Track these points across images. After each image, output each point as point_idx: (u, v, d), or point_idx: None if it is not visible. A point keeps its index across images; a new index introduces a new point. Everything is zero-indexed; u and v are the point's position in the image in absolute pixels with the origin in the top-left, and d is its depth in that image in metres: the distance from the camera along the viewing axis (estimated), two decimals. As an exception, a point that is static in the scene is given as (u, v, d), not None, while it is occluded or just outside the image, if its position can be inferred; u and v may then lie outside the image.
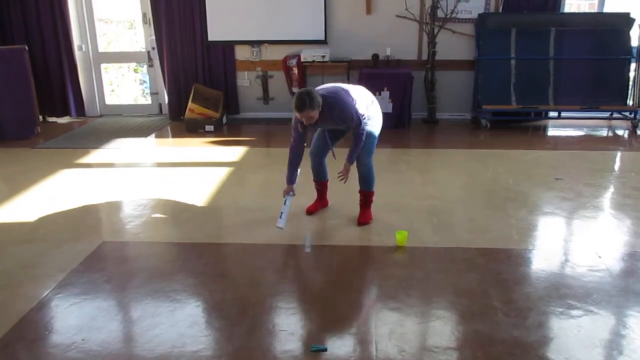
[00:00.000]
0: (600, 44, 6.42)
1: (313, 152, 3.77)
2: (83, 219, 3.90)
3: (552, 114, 6.72)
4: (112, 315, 2.68)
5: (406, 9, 6.52)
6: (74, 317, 2.66)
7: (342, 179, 3.56)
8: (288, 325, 2.60)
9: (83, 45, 7.16)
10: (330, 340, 2.46)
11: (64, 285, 2.96)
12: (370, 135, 3.57)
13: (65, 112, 7.12)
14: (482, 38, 6.49)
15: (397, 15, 6.60)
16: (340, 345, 2.43)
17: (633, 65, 6.57)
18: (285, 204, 3.53)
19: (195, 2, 6.64)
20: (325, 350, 2.38)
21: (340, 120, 3.39)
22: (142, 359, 2.35)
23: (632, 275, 3.02)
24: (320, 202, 3.95)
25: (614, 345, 2.41)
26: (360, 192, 3.76)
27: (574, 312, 2.64)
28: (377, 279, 3.01)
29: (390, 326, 2.55)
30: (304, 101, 3.19)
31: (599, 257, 3.23)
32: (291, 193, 3.57)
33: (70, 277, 3.05)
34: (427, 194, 4.32)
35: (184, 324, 2.60)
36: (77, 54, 7.05)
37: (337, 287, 2.97)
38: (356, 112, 3.37)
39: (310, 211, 3.88)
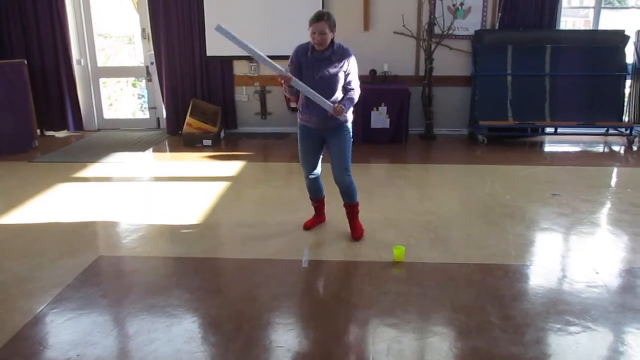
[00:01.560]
0: (595, 60, 6.48)
1: (307, 170, 3.68)
2: (79, 234, 3.89)
3: (549, 129, 6.75)
4: (107, 331, 2.66)
5: (403, 26, 6.58)
6: (69, 333, 2.64)
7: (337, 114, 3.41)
8: (285, 342, 2.58)
9: (82, 60, 7.19)
10: (327, 356, 2.45)
11: (60, 300, 2.95)
12: (349, 140, 3.55)
13: (63, 126, 7.12)
14: (478, 54, 6.55)
15: (394, 32, 6.67)
16: (338, 362, 2.42)
17: (628, 82, 6.63)
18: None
19: (194, 17, 6.70)
20: (322, 366, 2.36)
21: (347, 65, 3.38)
22: (137, 375, 2.33)
23: (629, 292, 3.01)
24: (318, 218, 3.95)
25: (612, 362, 2.40)
26: (345, 206, 3.74)
27: (572, 329, 2.63)
28: (374, 295, 3.00)
29: (388, 342, 2.53)
30: (322, 13, 3.27)
31: (597, 273, 3.22)
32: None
33: (65, 292, 3.03)
34: (425, 209, 4.32)
35: (181, 339, 2.58)
36: (76, 68, 7.07)
37: (334, 302, 2.96)
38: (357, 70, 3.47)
39: (308, 226, 3.87)
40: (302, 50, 3.40)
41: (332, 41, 3.35)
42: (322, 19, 3.23)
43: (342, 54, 3.38)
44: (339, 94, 3.46)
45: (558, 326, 2.66)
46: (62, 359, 2.43)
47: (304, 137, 3.61)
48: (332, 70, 3.39)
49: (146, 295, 3.01)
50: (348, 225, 3.79)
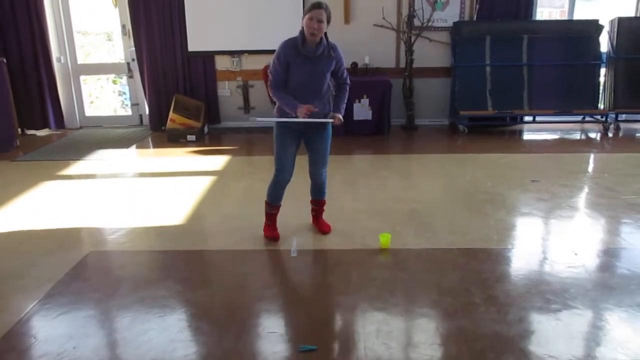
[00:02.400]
0: (571, 50, 6.64)
1: (288, 173, 3.50)
2: (67, 230, 3.90)
3: (527, 118, 6.92)
4: (101, 323, 2.70)
5: (384, 18, 6.66)
6: (63, 326, 2.67)
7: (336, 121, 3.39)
8: (277, 327, 2.65)
9: (62, 57, 7.14)
10: (320, 340, 2.52)
11: (52, 295, 2.97)
12: (331, 136, 3.56)
13: (44, 125, 7.08)
14: (457, 45, 6.66)
15: (374, 25, 6.74)
16: (330, 345, 2.49)
17: (603, 70, 6.80)
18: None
19: (174, 13, 6.69)
20: (315, 349, 2.44)
21: (337, 61, 3.34)
22: (133, 364, 2.38)
23: (606, 271, 3.14)
24: (276, 229, 3.70)
25: (590, 337, 2.51)
26: (316, 202, 3.74)
27: (553, 307, 2.75)
28: (362, 281, 3.07)
29: (377, 325, 2.62)
30: (322, 2, 3.21)
31: (575, 254, 3.35)
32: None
33: (57, 287, 3.06)
34: (408, 197, 4.41)
35: (174, 329, 2.64)
36: (56, 66, 7.03)
37: (323, 289, 3.04)
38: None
39: (272, 235, 3.64)
40: (291, 47, 3.23)
41: (323, 35, 3.28)
42: (322, 7, 3.17)
43: (333, 49, 3.32)
44: (326, 89, 3.43)
45: (539, 305, 2.77)
46: (58, 352, 2.46)
47: (287, 138, 3.43)
48: (326, 67, 3.32)
49: (137, 288, 3.05)
50: (333, 216, 3.83)
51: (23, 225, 3.99)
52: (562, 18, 7.49)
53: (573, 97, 6.64)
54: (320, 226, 3.76)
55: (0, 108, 6.02)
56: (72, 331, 2.63)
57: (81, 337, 2.58)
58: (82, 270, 3.30)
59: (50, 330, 2.65)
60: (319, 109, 3.34)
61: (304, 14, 3.22)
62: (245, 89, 7.07)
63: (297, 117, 3.25)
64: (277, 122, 3.46)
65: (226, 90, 7.09)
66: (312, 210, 3.80)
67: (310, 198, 3.77)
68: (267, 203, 3.63)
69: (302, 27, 3.21)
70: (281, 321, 2.72)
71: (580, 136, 6.62)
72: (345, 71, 3.47)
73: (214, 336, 2.58)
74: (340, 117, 3.38)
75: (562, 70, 6.66)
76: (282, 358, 2.41)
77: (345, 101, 3.49)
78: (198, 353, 2.45)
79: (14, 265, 3.36)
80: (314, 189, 3.70)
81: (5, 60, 6.14)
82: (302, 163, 3.61)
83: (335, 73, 3.42)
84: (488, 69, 6.65)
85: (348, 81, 3.50)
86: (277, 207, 3.64)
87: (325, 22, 3.21)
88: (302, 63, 3.25)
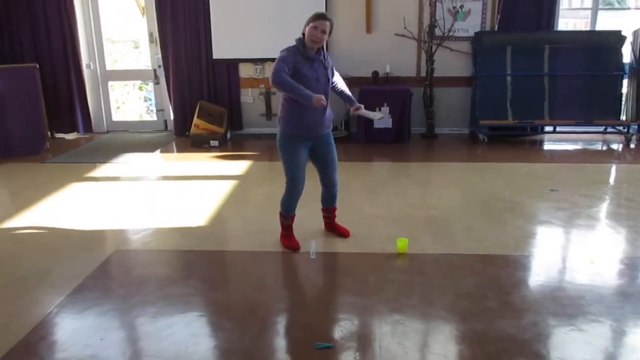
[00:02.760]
0: (593, 60, 6.64)
1: (303, 180, 3.54)
2: (94, 230, 4.05)
3: (548, 128, 6.91)
4: (127, 317, 2.81)
5: (405, 28, 6.74)
6: (91, 319, 2.79)
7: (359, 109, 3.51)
8: (295, 325, 2.73)
9: (91, 64, 7.37)
10: (336, 338, 2.59)
11: (80, 290, 3.10)
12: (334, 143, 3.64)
13: (72, 129, 7.31)
14: (478, 55, 6.70)
15: (396, 34, 6.83)
16: (346, 343, 2.56)
17: (625, 81, 6.77)
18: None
19: (200, 21, 6.87)
20: (331, 347, 2.51)
21: (332, 66, 3.51)
22: (158, 356, 2.47)
23: (622, 279, 3.15)
24: (294, 237, 3.75)
25: (605, 343, 2.53)
26: (329, 209, 3.79)
27: (567, 311, 2.78)
28: (379, 283, 3.14)
29: (393, 325, 2.68)
30: (326, 14, 3.33)
31: (592, 262, 3.36)
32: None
33: (85, 283, 3.19)
34: (427, 204, 4.46)
35: (196, 324, 2.73)
36: (86, 72, 7.26)
37: (340, 290, 3.11)
38: None
39: (294, 246, 3.66)
40: (293, 53, 3.29)
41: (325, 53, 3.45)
42: (327, 18, 3.30)
43: (327, 56, 3.48)
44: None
45: (554, 310, 2.80)
46: (86, 342, 2.58)
47: (296, 149, 3.45)
48: (327, 72, 3.43)
49: (161, 285, 3.16)
50: (351, 221, 3.90)
51: (52, 224, 4.15)
52: (585, 29, 7.49)
53: (594, 108, 6.62)
54: (340, 230, 3.83)
55: (32, 112, 6.25)
56: (99, 324, 2.74)
57: (108, 330, 2.69)
58: (109, 268, 3.42)
59: (79, 322, 2.77)
60: (327, 114, 3.47)
61: (308, 22, 3.29)
62: (267, 96, 7.20)
63: (312, 105, 3.24)
64: (286, 135, 3.47)
65: (249, 97, 7.24)
66: (325, 217, 3.85)
67: (320, 207, 3.81)
68: (281, 215, 3.66)
69: (303, 35, 3.32)
70: (300, 319, 2.80)
71: (602, 147, 6.59)
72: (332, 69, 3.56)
73: (235, 332, 2.67)
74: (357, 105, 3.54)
75: (584, 80, 6.66)
76: (299, 354, 2.49)
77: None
78: (219, 348, 2.55)
79: (44, 261, 3.50)
80: (327, 196, 3.72)
81: (37, 66, 6.36)
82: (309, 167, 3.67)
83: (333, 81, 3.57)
84: (509, 78, 6.68)
85: (342, 80, 3.65)
86: (292, 217, 3.68)
87: (328, 32, 3.33)
88: (308, 67, 3.32)
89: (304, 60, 3.31)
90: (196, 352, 2.50)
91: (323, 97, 3.25)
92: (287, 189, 3.54)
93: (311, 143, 3.51)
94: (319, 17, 3.28)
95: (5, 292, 3.08)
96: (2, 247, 3.72)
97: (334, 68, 3.55)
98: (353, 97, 3.60)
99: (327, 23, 3.29)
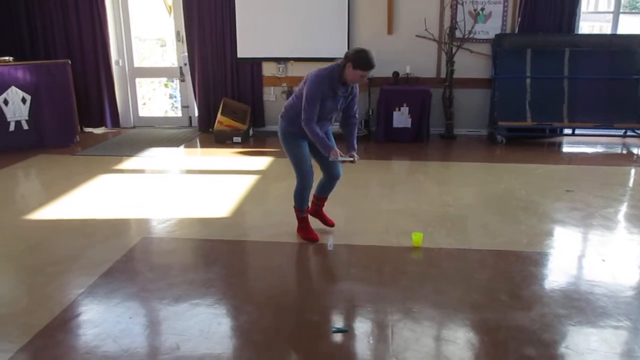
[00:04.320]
0: (614, 64, 6.65)
1: (312, 177, 3.67)
2: (122, 218, 4.24)
3: (567, 131, 6.95)
4: (154, 298, 2.99)
5: (426, 30, 6.84)
6: (120, 299, 2.97)
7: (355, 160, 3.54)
8: (312, 310, 2.87)
9: (120, 61, 7.62)
10: (351, 323, 2.73)
11: (110, 273, 3.28)
12: None
13: (101, 123, 7.55)
14: (498, 57, 6.77)
15: (417, 35, 6.93)
16: (360, 327, 2.70)
17: (647, 85, 6.77)
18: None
19: (225, 21, 7.06)
20: (346, 331, 2.65)
21: (354, 96, 3.53)
22: (183, 334, 2.64)
23: (633, 276, 3.23)
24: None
25: (610, 334, 2.63)
26: (323, 199, 3.88)
27: (576, 304, 2.87)
28: (393, 274, 3.27)
29: (405, 313, 2.81)
30: (374, 62, 3.25)
31: (603, 260, 3.44)
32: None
33: (115, 267, 3.37)
34: (443, 201, 4.57)
35: (218, 307, 2.89)
36: (114, 69, 7.50)
37: (356, 279, 3.24)
38: None
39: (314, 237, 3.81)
40: (327, 83, 3.32)
41: None
42: (373, 66, 3.28)
43: (355, 87, 3.51)
44: None
45: (563, 302, 2.90)
46: (116, 320, 2.76)
47: (301, 145, 3.58)
48: (344, 103, 3.51)
49: (186, 271, 3.33)
50: (366, 216, 4.02)
51: (83, 213, 4.36)
52: (606, 32, 7.49)
53: (615, 111, 6.64)
54: (327, 219, 3.91)
55: (64, 106, 6.50)
56: (128, 304, 2.92)
57: (136, 309, 2.87)
58: (136, 254, 3.61)
59: (109, 302, 2.95)
60: (325, 129, 3.56)
61: (356, 65, 3.23)
62: (289, 95, 7.36)
63: (327, 156, 3.43)
64: (287, 133, 3.60)
65: (271, 96, 7.41)
66: (314, 204, 3.88)
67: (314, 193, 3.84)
68: (296, 209, 3.77)
69: (344, 69, 3.29)
70: (316, 305, 2.94)
71: (621, 150, 6.60)
72: (356, 105, 3.61)
73: (254, 315, 2.82)
74: (356, 154, 3.55)
75: (604, 84, 6.68)
76: (316, 337, 2.63)
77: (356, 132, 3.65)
78: (240, 328, 2.70)
79: (75, 247, 3.69)
80: (327, 187, 3.77)
81: (70, 62, 6.61)
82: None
83: (348, 107, 3.55)
84: (528, 81, 6.73)
85: (357, 115, 3.64)
86: (307, 210, 3.82)
87: None
88: (331, 99, 3.39)
89: (331, 93, 3.36)
90: (219, 331, 2.65)
91: (339, 153, 3.38)
92: (299, 183, 3.66)
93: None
94: (368, 66, 3.25)
95: (41, 274, 3.28)
96: (38, 233, 3.93)
97: (355, 100, 3.56)
98: (355, 143, 3.60)
99: (371, 70, 3.30)
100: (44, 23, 7.23)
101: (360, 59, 3.23)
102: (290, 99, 3.60)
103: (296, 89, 3.59)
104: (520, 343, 2.55)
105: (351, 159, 3.49)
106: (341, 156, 3.43)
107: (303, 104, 3.35)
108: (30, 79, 6.26)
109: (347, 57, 3.29)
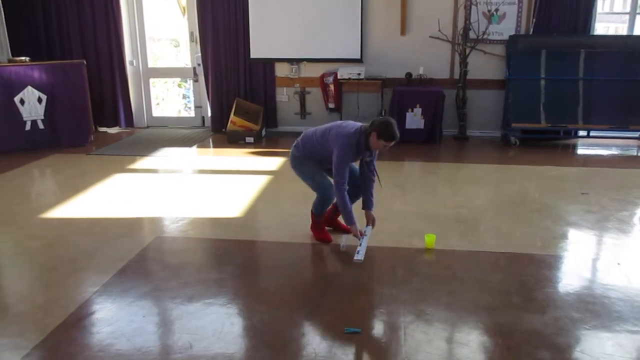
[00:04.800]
0: (630, 65, 6.57)
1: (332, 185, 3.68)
2: (136, 217, 4.27)
3: (582, 132, 6.88)
4: (167, 297, 3.00)
5: (439, 30, 6.82)
6: (134, 297, 2.99)
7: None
8: (325, 311, 2.87)
9: (134, 61, 7.68)
10: (364, 324, 2.73)
11: (124, 272, 3.31)
12: None
13: (115, 123, 7.62)
14: (512, 59, 6.72)
15: (430, 36, 6.91)
16: (373, 329, 2.70)
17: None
18: (363, 237, 3.51)
19: (239, 22, 7.09)
20: (359, 332, 2.64)
21: (373, 156, 3.63)
22: (197, 332, 2.65)
23: (649, 280, 3.20)
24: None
25: (625, 339, 2.60)
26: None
27: (591, 308, 2.85)
28: (406, 275, 3.26)
29: (417, 314, 2.80)
30: (397, 133, 3.34)
31: (618, 264, 3.41)
32: (369, 227, 3.65)
33: (129, 265, 3.40)
34: (456, 203, 4.55)
35: (232, 306, 2.91)
36: (129, 69, 7.56)
37: (369, 280, 3.24)
38: None
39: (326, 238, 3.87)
40: (354, 150, 3.43)
41: None
42: (397, 137, 3.35)
43: (374, 154, 3.61)
44: None
45: (577, 306, 2.87)
46: (130, 318, 2.78)
47: (320, 168, 3.69)
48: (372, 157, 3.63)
49: (199, 270, 3.35)
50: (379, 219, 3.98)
51: (97, 211, 4.40)
52: (622, 33, 7.42)
53: (630, 113, 6.56)
54: (342, 226, 3.89)
55: (79, 106, 6.56)
56: (142, 302, 2.94)
57: (150, 308, 2.89)
58: (150, 253, 3.63)
59: (123, 300, 2.98)
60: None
61: (379, 134, 3.31)
62: (302, 95, 7.37)
63: (349, 223, 3.53)
64: (300, 158, 3.71)
65: (284, 96, 7.42)
66: (333, 214, 3.88)
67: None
68: (314, 214, 3.81)
69: (368, 136, 3.36)
70: (330, 305, 2.94)
71: (637, 152, 6.53)
72: (374, 162, 3.66)
73: (267, 315, 2.83)
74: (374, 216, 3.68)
75: (620, 85, 6.60)
76: (329, 338, 2.63)
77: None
78: (253, 328, 2.71)
79: (90, 245, 3.73)
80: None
81: (85, 62, 6.68)
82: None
83: (367, 164, 3.59)
84: (542, 82, 6.67)
85: (374, 171, 3.66)
86: (324, 214, 3.87)
87: None
88: (356, 163, 3.60)
89: (357, 158, 3.53)
90: (232, 331, 2.67)
91: (360, 232, 3.50)
92: (321, 196, 3.70)
93: None
94: (393, 137, 3.32)
95: (56, 272, 3.32)
96: (53, 231, 3.98)
97: (374, 158, 3.63)
98: (373, 203, 3.68)
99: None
100: (60, 24, 7.31)
101: (385, 130, 3.32)
102: (305, 134, 3.73)
103: (310, 129, 3.76)
104: (534, 347, 2.53)
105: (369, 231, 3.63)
106: (362, 235, 3.51)
107: (334, 170, 3.45)
108: (46, 79, 6.33)
109: (373, 126, 3.35)
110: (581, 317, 2.77)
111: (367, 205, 3.68)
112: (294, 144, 3.79)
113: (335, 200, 3.72)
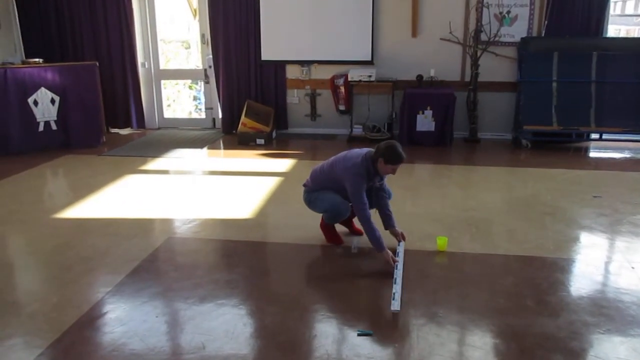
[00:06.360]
0: (643, 68, 6.52)
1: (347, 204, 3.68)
2: (148, 218, 4.30)
3: (594, 135, 6.83)
4: (180, 298, 3.02)
5: (450, 33, 6.80)
6: (147, 298, 3.01)
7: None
8: (337, 312, 2.87)
9: (146, 63, 7.73)
10: (376, 326, 2.72)
11: (137, 272, 3.33)
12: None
13: (127, 124, 7.66)
14: (524, 61, 6.69)
15: (441, 39, 6.89)
16: (385, 331, 2.69)
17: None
18: (395, 282, 3.11)
19: (250, 24, 7.11)
20: (371, 334, 2.64)
21: (383, 181, 3.66)
22: (209, 333, 2.66)
23: (663, 285, 3.17)
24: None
25: (638, 343, 2.58)
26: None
27: (605, 312, 2.83)
28: (418, 278, 3.25)
29: (429, 316, 2.79)
30: (404, 155, 3.38)
31: (632, 267, 3.38)
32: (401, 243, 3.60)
33: (141, 266, 3.42)
34: (467, 206, 4.53)
35: (243, 307, 2.92)
36: (140, 71, 7.61)
37: (380, 282, 3.23)
38: None
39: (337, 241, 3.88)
40: (365, 177, 3.44)
41: None
42: (404, 160, 3.40)
43: (383, 178, 3.63)
44: None
45: (591, 310, 2.85)
46: (143, 319, 2.79)
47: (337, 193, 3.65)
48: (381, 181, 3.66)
49: (210, 271, 3.36)
50: (354, 228, 3.97)
51: (109, 212, 4.43)
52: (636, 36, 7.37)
53: (643, 116, 6.51)
54: (355, 228, 3.91)
55: (91, 107, 6.61)
56: (154, 302, 2.96)
57: (163, 308, 2.91)
58: (162, 253, 3.65)
59: (136, 300, 2.99)
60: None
61: (386, 159, 3.35)
62: (312, 97, 7.38)
63: (379, 250, 3.39)
64: (320, 191, 3.69)
65: (295, 98, 7.44)
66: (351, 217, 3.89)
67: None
68: (326, 223, 3.82)
69: (376, 162, 3.40)
70: (340, 307, 2.94)
71: (650, 156, 6.48)
72: (385, 182, 3.69)
73: (279, 316, 2.83)
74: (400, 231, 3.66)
75: (633, 88, 6.55)
76: (340, 340, 2.63)
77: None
78: (265, 329, 2.72)
79: (102, 246, 3.75)
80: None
81: (97, 63, 6.73)
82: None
83: (380, 187, 3.64)
84: (554, 84, 6.64)
85: (388, 190, 3.72)
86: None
87: None
88: (369, 187, 3.57)
89: (370, 184, 3.54)
90: (244, 332, 2.67)
91: (392, 259, 3.32)
92: (332, 212, 3.67)
93: None
94: (400, 160, 3.37)
95: (69, 272, 3.35)
96: (66, 232, 4.01)
97: (384, 180, 3.66)
98: (395, 222, 3.67)
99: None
100: (73, 26, 7.36)
101: (391, 154, 3.35)
102: (313, 173, 3.74)
103: (316, 167, 3.77)
104: (548, 350, 2.52)
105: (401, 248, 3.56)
106: (394, 262, 3.35)
107: (352, 201, 3.47)
108: (59, 80, 6.39)
109: (378, 153, 3.37)
110: (595, 321, 2.75)
111: (389, 223, 3.66)
112: (303, 185, 3.81)
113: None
